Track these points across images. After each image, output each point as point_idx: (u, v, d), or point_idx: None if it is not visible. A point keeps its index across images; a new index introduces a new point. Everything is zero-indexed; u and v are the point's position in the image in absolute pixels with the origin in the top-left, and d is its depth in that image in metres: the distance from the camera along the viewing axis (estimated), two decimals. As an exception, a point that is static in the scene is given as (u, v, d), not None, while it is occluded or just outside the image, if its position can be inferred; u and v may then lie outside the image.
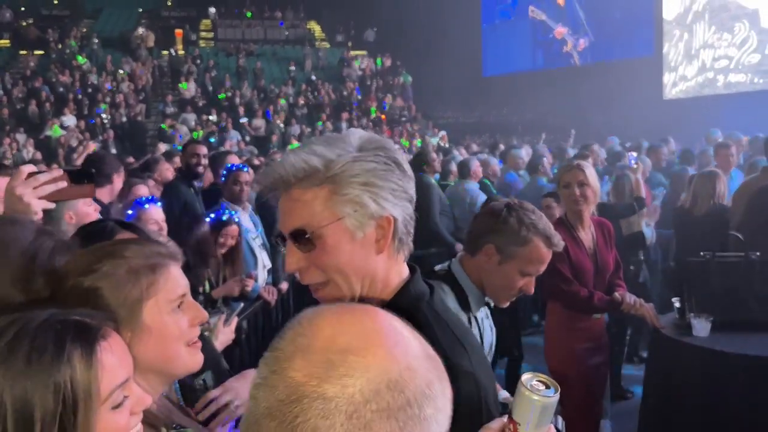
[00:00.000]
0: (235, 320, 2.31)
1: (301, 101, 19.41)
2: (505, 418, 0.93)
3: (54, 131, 15.63)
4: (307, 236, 1.04)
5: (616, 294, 3.10)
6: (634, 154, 5.64)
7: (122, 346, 0.98)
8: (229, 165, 4.41)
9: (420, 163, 5.92)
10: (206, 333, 2.10)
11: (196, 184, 4.87)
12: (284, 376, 0.66)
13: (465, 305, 1.95)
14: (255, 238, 4.22)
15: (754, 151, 6.50)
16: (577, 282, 3.06)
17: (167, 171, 5.49)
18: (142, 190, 3.76)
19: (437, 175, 6.78)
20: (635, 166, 4.97)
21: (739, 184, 4.81)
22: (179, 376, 1.24)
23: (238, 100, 18.67)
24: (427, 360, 0.70)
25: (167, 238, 1.77)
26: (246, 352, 3.60)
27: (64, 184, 1.49)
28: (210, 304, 3.44)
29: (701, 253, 3.15)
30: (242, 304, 3.35)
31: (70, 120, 16.27)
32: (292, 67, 21.22)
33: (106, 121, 16.70)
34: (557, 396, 0.91)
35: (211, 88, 19.31)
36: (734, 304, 3.03)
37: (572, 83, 18.68)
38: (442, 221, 5.60)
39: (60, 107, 16.78)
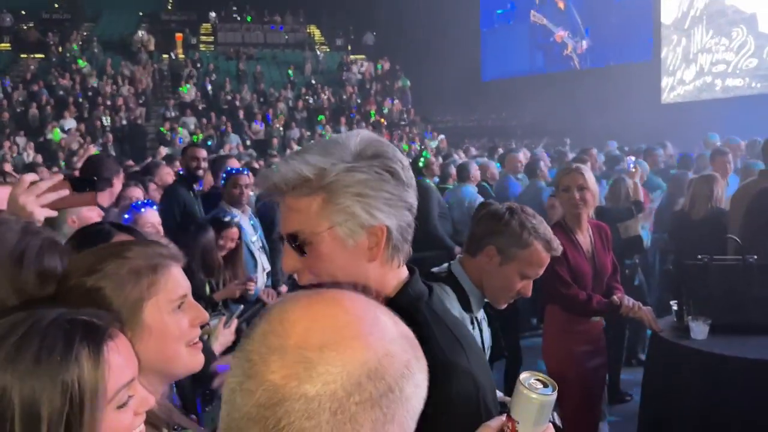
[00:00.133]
0: (234, 322, 2.32)
1: (301, 105, 19.45)
2: (503, 417, 0.94)
3: (54, 135, 15.65)
4: (299, 242, 1.06)
5: (615, 297, 3.11)
6: (633, 158, 5.66)
7: (128, 347, 0.99)
8: (229, 168, 4.43)
9: (419, 166, 5.95)
10: (206, 335, 2.11)
11: (195, 187, 4.89)
12: (261, 379, 0.64)
13: (467, 306, 1.98)
14: (254, 241, 4.24)
15: (752, 155, 6.52)
16: (576, 285, 3.07)
17: (167, 175, 5.51)
18: (136, 192, 3.77)
19: (436, 179, 6.80)
20: (633, 169, 4.99)
21: (735, 188, 4.82)
22: (180, 376, 1.25)
23: (238, 103, 18.71)
24: (402, 339, 0.70)
25: (167, 240, 1.78)
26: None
27: (66, 192, 1.51)
28: (210, 306, 3.45)
29: (699, 257, 3.16)
30: (242, 307, 3.35)
31: (70, 123, 16.30)
32: (292, 71, 21.26)
33: (106, 124, 16.73)
34: (555, 394, 0.92)
35: (211, 92, 19.35)
36: (732, 307, 3.04)
37: (571, 87, 18.73)
38: (441, 224, 5.61)
39: (60, 111, 16.81)
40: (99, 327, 0.95)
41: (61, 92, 17.70)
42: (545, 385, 0.93)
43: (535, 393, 0.91)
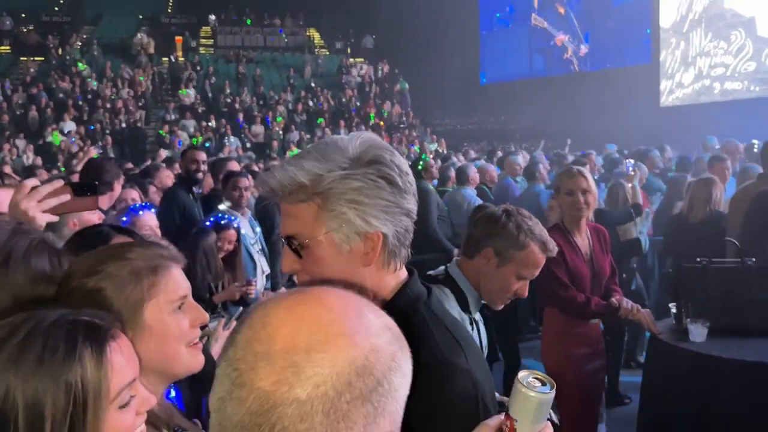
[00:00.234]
0: (234, 324, 2.33)
1: (300, 108, 19.47)
2: (502, 416, 0.94)
3: (54, 138, 15.66)
4: (296, 246, 1.08)
5: (613, 299, 3.12)
6: (632, 161, 5.67)
7: (130, 347, 1.00)
8: (229, 171, 4.44)
9: (418, 170, 5.97)
10: (206, 336, 2.12)
11: (195, 190, 4.90)
12: (251, 387, 0.64)
13: (465, 307, 2.01)
14: (254, 243, 4.24)
15: (750, 158, 6.54)
16: (575, 287, 3.08)
17: (167, 178, 5.52)
18: (133, 195, 3.78)
19: (435, 181, 6.82)
20: (632, 173, 5.00)
21: (732, 191, 4.83)
22: (180, 376, 1.25)
23: (237, 106, 18.73)
24: (387, 331, 0.70)
25: (167, 243, 1.79)
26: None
27: (67, 197, 1.52)
28: (210, 309, 3.46)
29: (697, 259, 3.17)
30: (241, 309, 3.36)
31: (69, 126, 16.31)
32: (292, 74, 21.29)
33: (105, 126, 16.74)
34: (553, 392, 0.93)
35: (210, 95, 19.37)
36: (730, 309, 3.05)
37: (570, 90, 18.77)
38: (439, 227, 5.62)
39: (60, 113, 16.83)
40: (101, 327, 0.96)
41: (61, 95, 17.72)
42: (543, 384, 0.93)
43: (533, 391, 0.92)
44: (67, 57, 19.80)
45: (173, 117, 17.82)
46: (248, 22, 24.16)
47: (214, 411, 0.68)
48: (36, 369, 0.88)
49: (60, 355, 0.89)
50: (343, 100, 20.34)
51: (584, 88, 18.52)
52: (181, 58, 21.36)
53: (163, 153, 11.90)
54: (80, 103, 17.54)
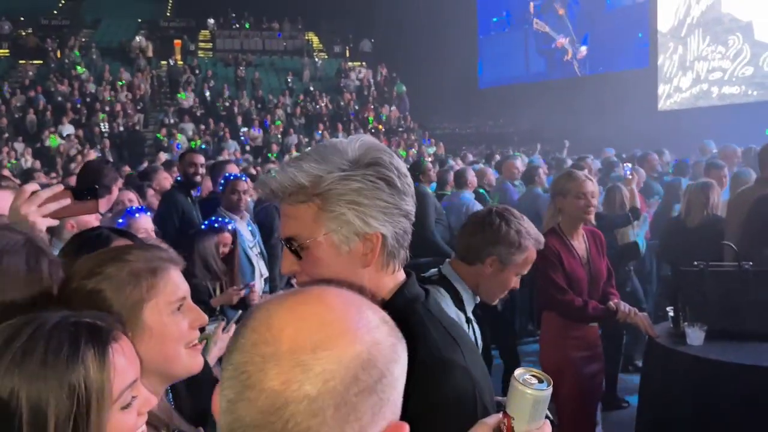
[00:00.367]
0: (233, 327, 2.33)
1: (299, 111, 19.49)
2: (500, 414, 0.95)
3: (52, 141, 15.65)
4: (296, 247, 1.09)
5: (611, 303, 3.13)
6: (629, 165, 5.69)
7: (131, 348, 1.01)
8: (228, 174, 4.43)
9: (416, 173, 5.97)
10: (205, 339, 2.12)
11: (193, 193, 4.90)
12: (261, 388, 0.66)
13: (461, 306, 2.05)
14: (252, 247, 4.23)
15: (748, 163, 6.55)
16: (572, 291, 3.08)
17: (165, 180, 5.52)
18: (129, 196, 3.78)
19: (434, 185, 6.82)
20: (630, 176, 5.01)
21: (725, 196, 4.83)
22: (179, 377, 1.26)
23: (236, 110, 18.75)
24: (384, 325, 0.73)
25: (167, 245, 1.79)
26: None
27: (67, 201, 1.52)
28: (208, 312, 3.46)
29: (695, 263, 3.18)
30: (240, 312, 3.36)
31: (68, 129, 16.31)
32: (290, 78, 21.32)
33: (104, 130, 16.75)
34: (550, 389, 0.93)
35: (209, 98, 19.39)
36: (728, 313, 3.05)
37: (568, 94, 18.83)
38: (437, 230, 5.63)
39: (59, 116, 16.83)
40: (103, 329, 0.97)
41: (60, 98, 17.72)
42: (540, 381, 0.94)
43: (530, 388, 0.92)
44: (66, 60, 19.80)
45: (172, 120, 17.83)
46: (247, 25, 24.21)
47: (223, 413, 0.69)
48: (40, 371, 0.89)
49: (63, 356, 0.90)
50: (342, 103, 20.37)
51: (582, 92, 18.58)
52: (180, 62, 21.39)
53: (163, 156, 11.91)
54: (78, 106, 17.55)
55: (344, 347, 0.67)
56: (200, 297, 3.38)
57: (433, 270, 2.17)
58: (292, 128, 18.38)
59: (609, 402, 4.46)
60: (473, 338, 1.99)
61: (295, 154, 13.03)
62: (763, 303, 3.02)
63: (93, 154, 8.13)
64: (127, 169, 9.20)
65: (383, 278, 1.12)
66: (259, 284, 4.18)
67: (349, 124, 19.06)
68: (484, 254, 2.07)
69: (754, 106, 15.47)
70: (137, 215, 2.78)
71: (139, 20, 23.83)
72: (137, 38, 21.58)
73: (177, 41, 22.26)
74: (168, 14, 25.46)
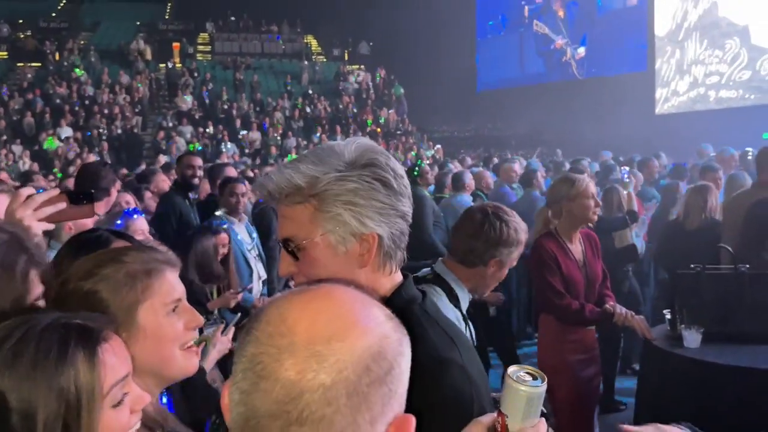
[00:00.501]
0: (232, 330, 2.34)
1: (298, 114, 19.50)
2: (495, 413, 0.94)
3: (48, 143, 15.64)
4: (293, 248, 1.10)
5: (607, 306, 3.13)
6: (627, 168, 5.71)
7: (122, 347, 1.01)
8: (226, 177, 4.44)
9: (414, 176, 6.00)
10: (203, 341, 2.13)
11: (191, 195, 4.90)
12: (277, 378, 0.68)
13: (457, 304, 2.08)
14: (251, 249, 4.24)
15: (745, 166, 6.57)
16: (569, 294, 3.09)
17: (163, 182, 5.52)
18: (126, 198, 3.79)
19: (432, 188, 6.84)
20: (627, 180, 5.03)
21: (720, 199, 4.83)
22: (174, 378, 1.27)
23: (234, 112, 18.75)
24: (390, 321, 0.75)
25: (166, 248, 1.80)
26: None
27: (63, 205, 1.52)
28: (206, 315, 3.46)
29: (692, 266, 3.19)
30: (239, 315, 3.36)
31: (66, 132, 16.30)
32: (289, 81, 21.33)
33: (102, 132, 16.74)
34: (544, 386, 0.92)
35: (208, 101, 19.39)
36: (725, 315, 3.06)
37: (565, 98, 18.87)
38: (435, 233, 5.63)
39: (57, 119, 16.82)
40: (93, 330, 0.97)
41: (58, 100, 17.72)
42: (534, 378, 0.93)
43: (524, 386, 0.91)
44: (65, 63, 19.80)
45: (170, 123, 17.83)
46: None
47: (236, 405, 0.71)
48: (30, 373, 0.89)
49: (53, 358, 0.90)
50: (340, 106, 20.39)
51: (580, 96, 18.62)
52: (179, 65, 21.39)
53: (162, 159, 11.89)
54: (77, 108, 17.54)
55: (356, 339, 0.70)
56: (196, 298, 3.38)
57: (426, 269, 2.18)
58: (291, 131, 18.39)
59: (606, 405, 4.47)
60: (469, 336, 2.01)
61: (293, 157, 13.01)
62: (759, 305, 3.04)
63: (92, 158, 8.14)
64: (124, 171, 9.19)
65: (380, 279, 1.12)
66: (257, 287, 4.18)
67: (348, 127, 19.07)
68: (486, 257, 2.10)
69: (752, 110, 15.52)
70: (135, 216, 2.79)
71: (138, 23, 23.84)
72: (136, 41, 21.59)
73: (176, 44, 22.26)
74: (167, 17, 25.48)
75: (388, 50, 22.94)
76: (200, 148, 15.52)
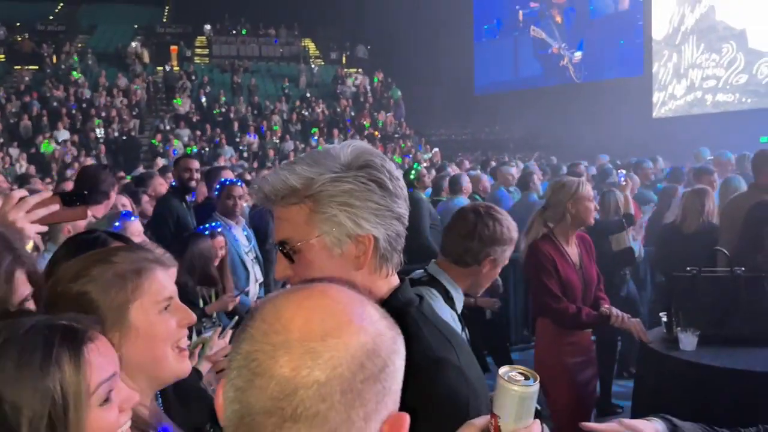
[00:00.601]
0: (229, 333, 2.33)
1: (295, 117, 19.51)
2: (489, 415, 0.93)
3: (45, 146, 15.62)
4: (288, 250, 1.10)
5: (603, 308, 3.13)
6: (624, 171, 5.72)
7: (108, 347, 1.00)
8: (223, 179, 4.44)
9: (410, 179, 6.01)
10: (201, 344, 2.13)
11: (188, 198, 4.90)
12: (271, 375, 0.68)
13: (453, 305, 2.09)
14: (248, 252, 4.24)
15: (742, 170, 6.59)
16: (566, 297, 3.09)
17: (161, 186, 5.51)
18: (123, 200, 3.79)
19: (429, 191, 6.85)
20: (624, 183, 5.04)
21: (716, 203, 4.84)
22: (167, 380, 1.25)
23: (232, 116, 18.75)
24: (384, 319, 0.76)
25: (163, 251, 1.80)
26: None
27: (56, 207, 1.52)
28: (202, 318, 3.45)
29: (688, 269, 3.19)
30: (237, 318, 3.36)
31: (63, 135, 16.28)
32: (287, 84, 21.35)
33: (99, 135, 16.73)
34: (536, 386, 0.91)
35: (205, 104, 19.39)
36: (721, 318, 3.07)
37: (563, 101, 18.91)
38: (432, 236, 5.64)
39: (54, 122, 16.80)
40: (78, 330, 0.96)
41: (55, 103, 17.70)
42: (526, 378, 0.92)
43: (516, 385, 0.90)
44: (62, 66, 19.79)
45: (168, 126, 17.82)
46: (243, 32, 24.25)
47: (231, 402, 0.71)
48: (15, 375, 0.89)
49: (37, 360, 0.90)
50: (338, 110, 20.40)
51: (577, 100, 18.67)
52: (176, 68, 21.40)
53: (160, 162, 11.90)
54: (74, 111, 17.52)
55: (351, 336, 0.70)
56: (190, 299, 3.37)
57: (419, 271, 2.19)
58: (289, 134, 18.40)
59: (603, 408, 4.47)
60: (465, 337, 2.01)
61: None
62: (755, 308, 3.04)
63: (89, 162, 8.14)
64: (122, 174, 9.18)
65: (376, 281, 1.12)
66: (254, 289, 4.18)
67: (346, 131, 19.09)
68: (481, 256, 2.11)
69: (748, 114, 15.57)
70: (132, 218, 2.79)
71: (136, 26, 23.85)
72: (133, 44, 21.58)
73: (173, 47, 22.27)
74: (164, 20, 25.49)
75: (385, 53, 22.97)
76: (195, 149, 15.52)
